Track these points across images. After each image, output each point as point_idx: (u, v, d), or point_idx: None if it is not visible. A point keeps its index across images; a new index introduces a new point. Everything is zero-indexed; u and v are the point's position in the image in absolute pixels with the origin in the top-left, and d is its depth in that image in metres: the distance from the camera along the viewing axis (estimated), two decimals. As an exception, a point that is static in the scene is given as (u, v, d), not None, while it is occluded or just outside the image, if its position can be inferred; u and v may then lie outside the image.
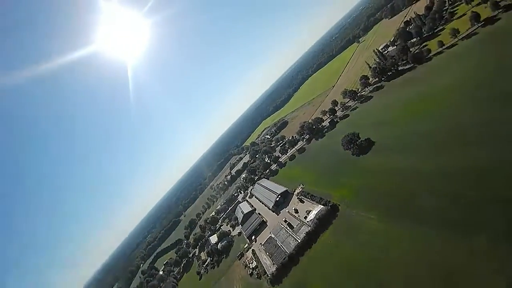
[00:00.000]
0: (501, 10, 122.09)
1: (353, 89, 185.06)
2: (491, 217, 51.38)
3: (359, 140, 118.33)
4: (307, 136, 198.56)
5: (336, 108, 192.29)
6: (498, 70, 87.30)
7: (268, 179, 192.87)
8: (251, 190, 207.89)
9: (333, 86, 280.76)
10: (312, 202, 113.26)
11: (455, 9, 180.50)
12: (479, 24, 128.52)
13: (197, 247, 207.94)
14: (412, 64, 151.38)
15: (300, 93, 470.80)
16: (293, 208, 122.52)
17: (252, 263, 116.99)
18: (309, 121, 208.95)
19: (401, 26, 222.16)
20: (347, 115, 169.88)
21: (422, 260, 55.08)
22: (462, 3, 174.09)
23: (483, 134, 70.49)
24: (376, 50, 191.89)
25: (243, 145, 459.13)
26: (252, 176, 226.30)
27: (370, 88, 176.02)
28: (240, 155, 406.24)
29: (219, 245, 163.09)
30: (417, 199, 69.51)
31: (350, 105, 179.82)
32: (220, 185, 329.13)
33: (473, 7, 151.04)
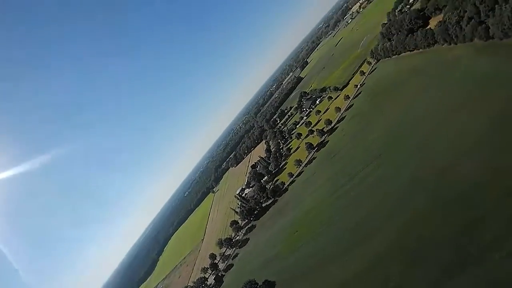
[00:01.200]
0: (326, 134, 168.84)
1: (228, 236, 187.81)
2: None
3: (258, 286, 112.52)
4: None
5: (216, 261, 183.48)
6: (341, 177, 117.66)
7: None
8: None
9: (203, 240, 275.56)
10: None
11: (289, 145, 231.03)
12: (314, 150, 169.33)
13: None
14: (273, 198, 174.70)
15: (166, 256, 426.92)
16: None
17: None
18: (190, 284, 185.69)
19: (249, 170, 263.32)
20: (232, 265, 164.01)
21: None
22: (293, 139, 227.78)
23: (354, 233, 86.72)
24: (236, 195, 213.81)
25: None
26: None
27: (243, 230, 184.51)
28: None
29: None
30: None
31: (230, 254, 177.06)
32: None
33: (303, 140, 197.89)
